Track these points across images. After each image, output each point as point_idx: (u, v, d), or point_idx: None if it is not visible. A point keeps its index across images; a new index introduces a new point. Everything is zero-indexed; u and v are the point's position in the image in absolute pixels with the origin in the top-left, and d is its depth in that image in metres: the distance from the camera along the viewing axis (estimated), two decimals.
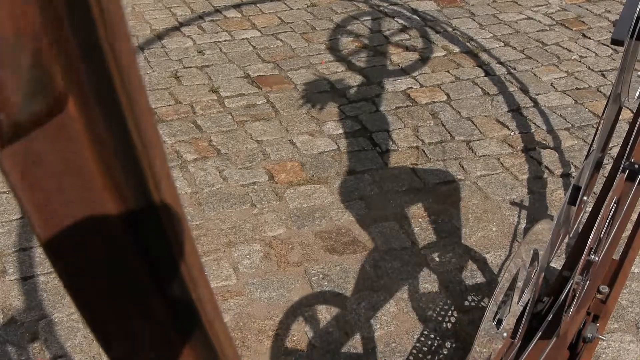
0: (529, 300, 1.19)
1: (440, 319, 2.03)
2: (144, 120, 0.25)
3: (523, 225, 2.40)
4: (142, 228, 0.26)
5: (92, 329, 0.29)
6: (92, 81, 0.23)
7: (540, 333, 1.25)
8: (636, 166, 1.55)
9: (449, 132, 2.94)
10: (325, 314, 2.05)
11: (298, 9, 4.19)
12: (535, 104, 3.15)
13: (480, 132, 2.94)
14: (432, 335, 1.98)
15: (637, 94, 1.54)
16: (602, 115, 1.52)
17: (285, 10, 4.17)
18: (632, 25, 1.30)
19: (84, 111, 0.23)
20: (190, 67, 3.52)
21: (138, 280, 0.27)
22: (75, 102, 0.23)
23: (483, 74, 3.41)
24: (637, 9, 1.32)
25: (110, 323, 0.28)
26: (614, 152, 2.08)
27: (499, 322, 1.10)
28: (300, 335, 1.98)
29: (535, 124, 2.99)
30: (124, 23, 0.23)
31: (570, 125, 2.98)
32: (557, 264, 2.04)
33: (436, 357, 1.91)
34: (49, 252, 0.26)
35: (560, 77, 3.37)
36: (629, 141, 1.53)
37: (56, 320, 2.02)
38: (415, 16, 4.05)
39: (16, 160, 0.23)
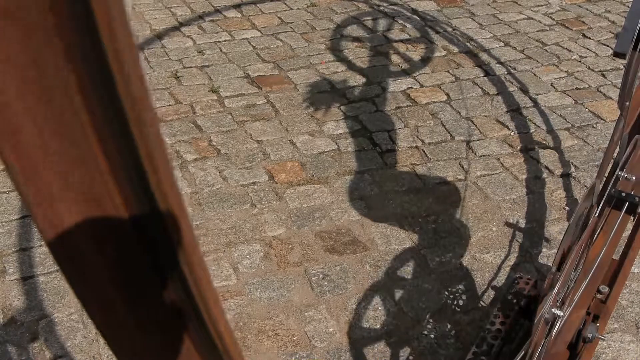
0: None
1: (440, 319, 2.03)
2: (152, 135, 0.25)
3: (523, 225, 2.40)
4: (147, 228, 0.26)
5: (97, 326, 0.29)
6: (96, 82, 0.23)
7: None
8: (623, 194, 1.53)
9: (449, 132, 2.94)
10: (325, 313, 2.05)
11: (298, 9, 4.19)
12: (535, 104, 3.15)
13: (480, 132, 2.94)
14: (432, 335, 1.98)
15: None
16: (615, 127, 1.52)
17: (285, 10, 4.17)
18: (635, 38, 1.29)
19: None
20: (190, 67, 3.52)
21: (142, 278, 0.27)
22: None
23: (483, 74, 3.41)
24: None
25: (115, 320, 0.28)
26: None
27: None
28: (300, 335, 1.98)
29: (535, 124, 2.99)
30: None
31: (570, 125, 2.98)
32: None
33: (436, 357, 1.91)
34: (53, 250, 0.26)
35: (560, 77, 3.37)
36: (616, 168, 1.51)
37: (56, 320, 2.02)
38: (415, 16, 4.05)
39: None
